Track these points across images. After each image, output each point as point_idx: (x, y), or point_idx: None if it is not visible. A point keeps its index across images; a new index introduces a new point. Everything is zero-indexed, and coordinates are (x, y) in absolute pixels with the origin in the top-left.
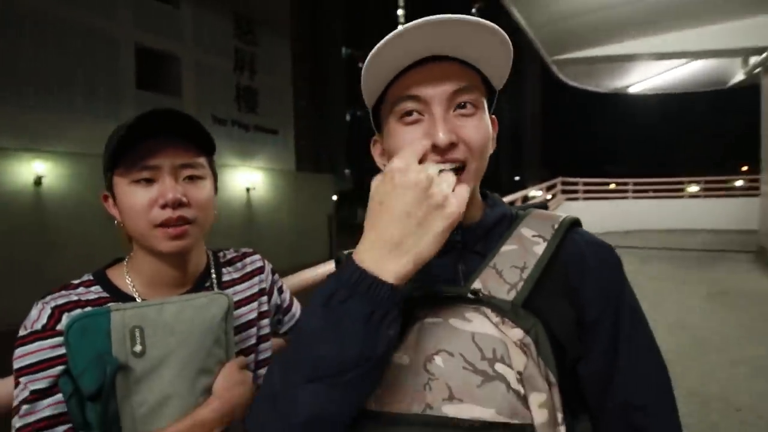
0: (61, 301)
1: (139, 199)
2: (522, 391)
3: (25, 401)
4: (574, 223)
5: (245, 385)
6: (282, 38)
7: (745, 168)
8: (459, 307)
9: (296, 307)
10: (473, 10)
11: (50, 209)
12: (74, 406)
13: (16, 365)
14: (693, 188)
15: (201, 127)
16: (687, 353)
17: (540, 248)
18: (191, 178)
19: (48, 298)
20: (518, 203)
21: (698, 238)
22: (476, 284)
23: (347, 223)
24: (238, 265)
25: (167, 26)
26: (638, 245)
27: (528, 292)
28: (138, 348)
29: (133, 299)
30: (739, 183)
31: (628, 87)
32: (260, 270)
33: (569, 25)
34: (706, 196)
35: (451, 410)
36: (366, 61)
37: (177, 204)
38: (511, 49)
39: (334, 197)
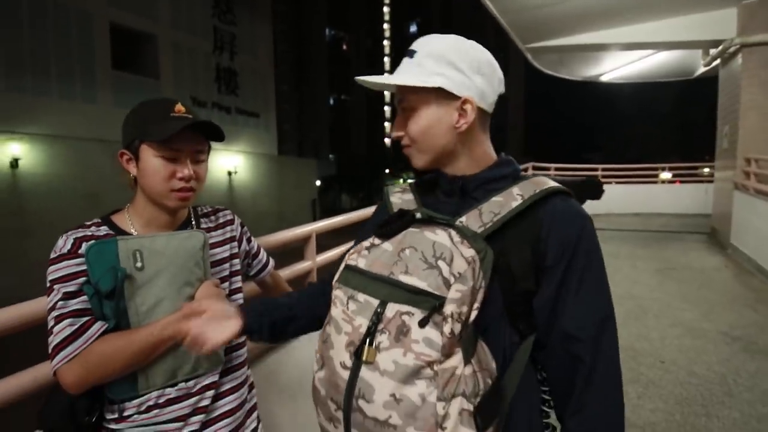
0: (79, 234)
1: (164, 170)
2: (451, 280)
3: (60, 299)
4: (560, 192)
5: (219, 296)
6: (263, 18)
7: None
8: (436, 227)
9: (263, 254)
10: None
11: (27, 191)
12: (95, 303)
13: (51, 277)
14: (666, 175)
15: (220, 131)
16: (630, 318)
17: (516, 203)
18: (198, 161)
19: (70, 232)
20: None
21: (661, 220)
22: (462, 218)
23: (331, 208)
24: (212, 217)
25: (143, 4)
26: (602, 227)
27: (492, 231)
28: (139, 264)
29: (131, 235)
30: (706, 170)
31: (600, 75)
32: (231, 222)
33: (541, 14)
34: (672, 182)
35: (404, 278)
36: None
37: (189, 179)
38: (428, 65)
39: (318, 182)
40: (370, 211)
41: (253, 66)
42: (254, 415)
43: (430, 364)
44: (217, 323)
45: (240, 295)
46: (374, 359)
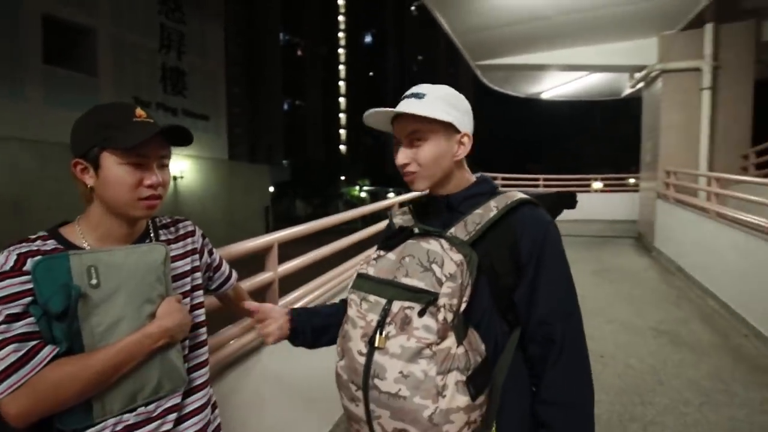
0: (23, 249)
1: (130, 178)
2: (443, 279)
3: (2, 322)
4: (527, 202)
5: (182, 313)
6: (214, 18)
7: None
8: (430, 237)
9: (225, 266)
10: (412, 8)
11: None
12: (44, 325)
13: None
14: (597, 184)
15: (190, 136)
16: None
17: (493, 213)
18: (163, 166)
19: (12, 247)
20: None
21: (595, 226)
22: (452, 230)
23: (285, 216)
24: (172, 229)
25: None
26: None
27: (476, 238)
28: (94, 281)
29: (83, 249)
30: (632, 180)
31: (541, 93)
32: (192, 233)
33: (489, 35)
34: (604, 191)
35: (405, 280)
36: (366, 116)
37: (158, 185)
38: (439, 106)
39: (271, 188)
40: (333, 219)
41: (203, 66)
42: None
43: (429, 345)
44: (275, 322)
45: (202, 310)
46: (384, 345)
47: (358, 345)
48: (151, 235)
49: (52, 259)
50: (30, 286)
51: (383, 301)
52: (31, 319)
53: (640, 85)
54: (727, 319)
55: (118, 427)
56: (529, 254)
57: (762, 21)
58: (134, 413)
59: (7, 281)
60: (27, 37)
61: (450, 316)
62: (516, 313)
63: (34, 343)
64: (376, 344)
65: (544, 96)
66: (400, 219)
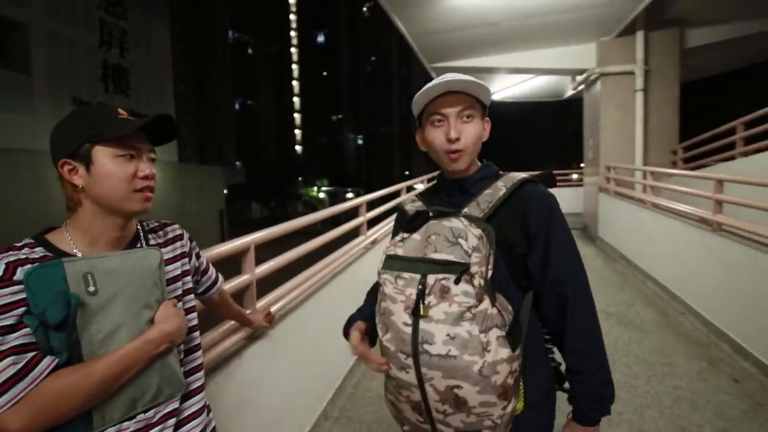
0: (12, 258)
1: (125, 169)
2: (469, 251)
3: None
4: (528, 181)
5: (180, 317)
6: (159, 14)
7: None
8: (450, 216)
9: (212, 270)
10: (364, 9)
11: None
12: (41, 335)
13: None
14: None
15: (173, 134)
16: None
17: (502, 192)
18: (152, 161)
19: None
20: (403, 191)
21: None
22: (465, 209)
23: (241, 219)
24: (160, 233)
25: None
26: None
27: (490, 214)
28: (92, 288)
29: (75, 256)
30: (575, 176)
31: (492, 94)
32: (180, 237)
33: (444, 39)
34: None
35: (435, 255)
36: (418, 93)
37: (152, 177)
38: (487, 87)
39: (225, 191)
40: (310, 218)
41: (148, 64)
42: None
43: (469, 308)
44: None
45: (195, 314)
46: (428, 314)
47: (401, 317)
48: (142, 239)
49: (46, 267)
50: (23, 296)
51: (417, 276)
52: (26, 330)
53: (581, 87)
54: (666, 300)
55: None
56: (538, 224)
57: (685, 29)
58: (134, 420)
59: None
60: None
61: (482, 282)
62: (528, 279)
63: (32, 354)
64: (421, 313)
65: (495, 97)
66: (412, 207)
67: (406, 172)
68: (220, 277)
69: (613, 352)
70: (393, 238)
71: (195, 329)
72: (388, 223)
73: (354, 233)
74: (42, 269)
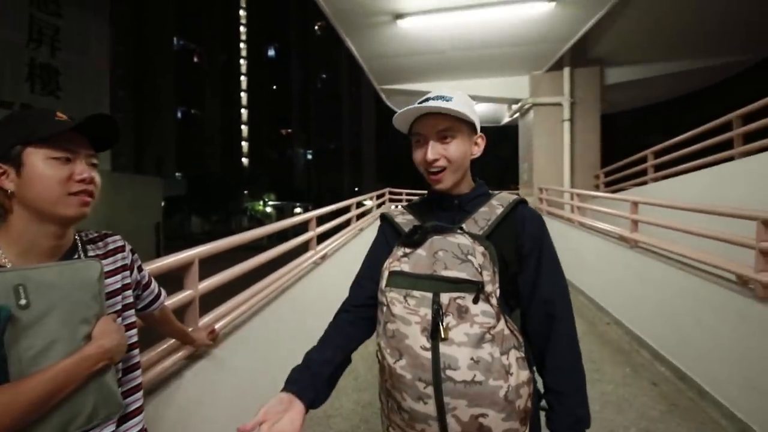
0: None
1: (59, 172)
2: (479, 269)
3: None
4: (522, 202)
5: (120, 333)
6: (97, 14)
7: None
8: (453, 233)
9: (154, 284)
10: (316, 28)
11: None
12: None
13: None
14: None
15: (115, 136)
16: None
17: (499, 210)
18: (93, 165)
19: None
20: (353, 207)
21: None
22: (464, 225)
23: (179, 234)
24: (100, 244)
25: None
26: None
27: (489, 232)
28: (23, 301)
29: (4, 267)
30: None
31: None
32: (122, 249)
33: (391, 63)
34: None
35: (445, 273)
36: (396, 114)
37: (90, 181)
38: (469, 104)
39: (163, 203)
40: (254, 233)
41: (81, 66)
42: None
43: (489, 329)
44: (282, 426)
45: (135, 331)
46: (448, 336)
47: (418, 340)
48: (80, 250)
49: None
50: None
51: (429, 294)
52: None
53: (517, 115)
54: (593, 311)
55: None
56: (531, 245)
57: (605, 67)
58: None
59: None
60: None
61: (496, 301)
62: (516, 298)
63: None
64: (442, 337)
65: None
66: (404, 219)
67: (356, 188)
68: (163, 292)
69: None
70: (376, 250)
71: (135, 347)
72: (339, 238)
73: (303, 248)
74: None
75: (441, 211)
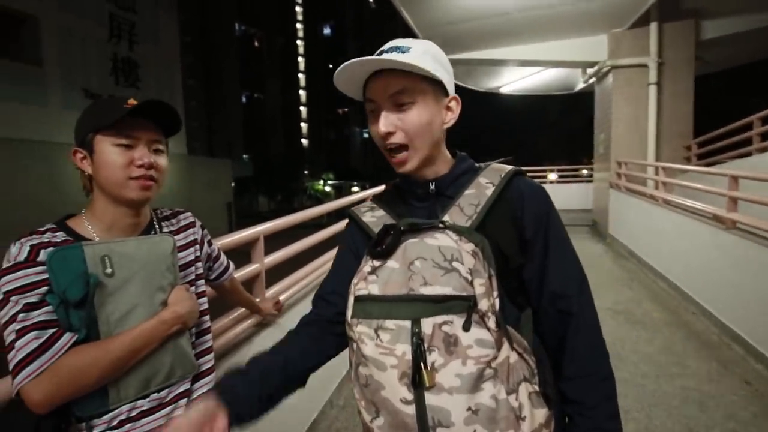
0: (35, 241)
1: (120, 157)
2: (469, 278)
3: (21, 311)
4: (518, 173)
5: (192, 301)
6: (167, 8)
7: (585, 159)
8: (431, 231)
9: (223, 257)
10: (370, 1)
11: None
12: (62, 313)
13: (5, 288)
14: (553, 176)
15: (177, 120)
16: None
17: (490, 191)
18: (157, 151)
19: (23, 239)
20: None
21: None
22: (446, 217)
23: (248, 212)
24: (173, 220)
25: None
26: None
27: (479, 221)
28: (109, 270)
29: (93, 240)
30: (585, 172)
31: (500, 87)
32: (192, 224)
33: (451, 30)
34: (559, 182)
35: (426, 290)
36: (336, 74)
37: (149, 166)
38: (434, 52)
39: (233, 184)
40: (316, 211)
41: (156, 57)
42: None
43: (488, 363)
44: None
45: (205, 299)
46: (434, 381)
47: (397, 392)
48: (156, 226)
49: (66, 250)
50: (45, 276)
51: (407, 324)
52: (48, 308)
53: (592, 80)
54: (676, 299)
55: (133, 413)
56: (535, 228)
57: (700, 20)
58: (148, 399)
59: (23, 272)
60: None
61: (495, 319)
62: (524, 294)
63: (53, 330)
64: (426, 383)
65: (503, 90)
66: (372, 217)
67: None
68: (231, 265)
69: (621, 350)
70: (336, 268)
71: (205, 313)
72: None
73: None
74: (63, 251)
75: (416, 201)
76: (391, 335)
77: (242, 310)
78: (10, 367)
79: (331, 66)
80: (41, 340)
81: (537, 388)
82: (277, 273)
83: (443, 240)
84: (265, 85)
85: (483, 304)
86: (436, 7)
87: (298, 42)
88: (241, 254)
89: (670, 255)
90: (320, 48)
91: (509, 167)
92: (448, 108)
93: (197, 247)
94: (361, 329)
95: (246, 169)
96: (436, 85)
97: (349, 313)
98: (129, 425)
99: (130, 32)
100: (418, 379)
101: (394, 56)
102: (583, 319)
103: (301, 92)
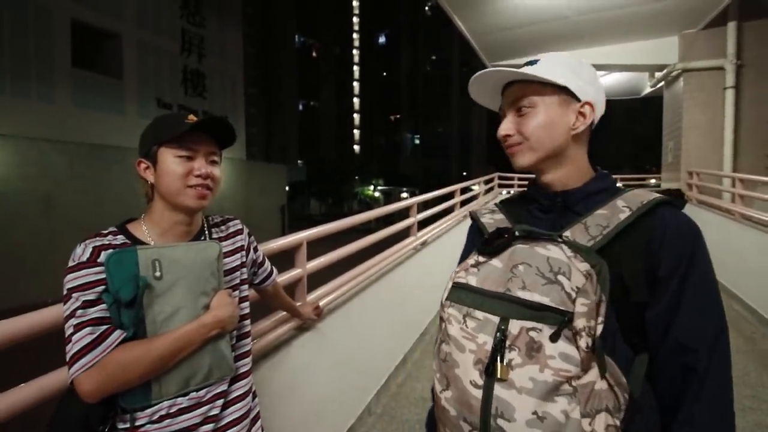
0: (98, 243)
1: (181, 168)
2: (573, 295)
3: (79, 307)
4: (667, 203)
5: (233, 306)
6: (232, 22)
7: (652, 168)
8: (545, 242)
9: (267, 263)
10: (426, 8)
11: None
12: (114, 311)
13: (69, 285)
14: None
15: (232, 134)
16: None
17: (624, 215)
18: (213, 162)
19: (88, 241)
20: (457, 193)
21: None
22: (567, 233)
23: (300, 215)
24: (223, 227)
25: (107, 1)
26: None
27: (603, 245)
28: (158, 273)
29: (148, 245)
30: (653, 181)
31: None
32: (240, 231)
33: (505, 36)
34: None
35: (522, 294)
36: (470, 85)
37: (206, 176)
38: (555, 70)
39: (287, 188)
40: (363, 217)
41: (222, 69)
42: (258, 423)
43: (568, 379)
44: None
45: (247, 303)
46: (508, 376)
47: (469, 373)
48: (206, 232)
49: (123, 253)
50: (103, 276)
51: (495, 319)
52: (103, 306)
53: (661, 84)
54: (753, 324)
55: (172, 409)
56: (673, 268)
57: None
58: (186, 397)
59: (84, 271)
60: (56, 41)
61: (589, 342)
62: (642, 335)
63: (105, 327)
64: (498, 375)
65: None
66: (491, 219)
67: (464, 173)
68: (275, 270)
69: None
70: (463, 258)
71: (246, 317)
72: (440, 225)
73: (404, 234)
74: (120, 254)
75: (539, 212)
76: (477, 324)
77: (283, 313)
78: (67, 358)
79: (384, 74)
80: (95, 336)
81: (618, 423)
82: (319, 278)
83: (555, 252)
84: (320, 93)
85: (579, 323)
86: (489, 13)
87: (354, 51)
88: (287, 258)
89: (748, 275)
90: (374, 56)
91: (655, 194)
92: (580, 113)
93: (243, 253)
94: (451, 311)
95: (300, 174)
96: (562, 91)
97: (445, 295)
98: (168, 421)
99: (200, 46)
100: (491, 369)
101: (525, 69)
102: (711, 382)
103: (355, 100)
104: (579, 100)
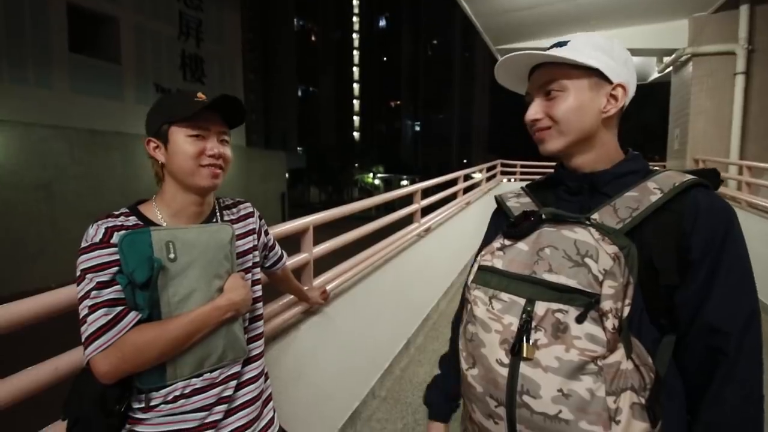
0: (110, 224)
1: (193, 147)
2: (600, 277)
3: (94, 288)
4: (699, 185)
5: (246, 288)
6: (231, 5)
7: (657, 156)
8: (572, 225)
9: (278, 247)
10: None
11: None
12: (129, 292)
13: (82, 266)
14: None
15: (242, 113)
16: None
17: (655, 197)
18: (224, 142)
19: (100, 222)
20: (461, 180)
21: None
22: (595, 215)
23: (300, 202)
24: (234, 210)
25: None
26: None
27: (632, 227)
28: (172, 255)
29: (161, 226)
30: (657, 169)
31: None
32: (251, 214)
33: (511, 18)
34: None
35: (548, 276)
36: (497, 67)
37: (218, 156)
38: (586, 51)
39: (287, 175)
40: (362, 204)
41: (220, 53)
42: (270, 404)
43: (594, 359)
44: None
45: (259, 286)
46: (533, 356)
47: (495, 352)
48: (217, 214)
49: (136, 234)
50: (117, 257)
51: (521, 300)
52: (118, 287)
53: (669, 69)
54: (765, 322)
55: (187, 390)
56: (705, 250)
57: None
58: (201, 378)
59: (97, 252)
60: (53, 26)
61: (616, 323)
62: (670, 318)
63: (120, 308)
64: (524, 354)
65: None
66: (517, 203)
67: (464, 161)
68: (285, 255)
69: None
70: (486, 242)
71: (259, 300)
72: (444, 212)
73: (408, 220)
74: (133, 235)
75: (569, 195)
76: (502, 306)
77: (291, 297)
78: (82, 339)
79: (384, 59)
80: (110, 317)
81: (643, 401)
82: (325, 263)
83: (582, 235)
84: (320, 78)
85: (606, 305)
86: None
87: (354, 35)
88: (291, 242)
89: (753, 263)
90: (375, 41)
91: (688, 176)
92: (611, 95)
93: (255, 236)
94: (476, 293)
95: (299, 161)
96: (593, 73)
97: (471, 277)
98: (182, 401)
99: (197, 30)
100: (517, 348)
101: (553, 51)
102: (742, 366)
103: (355, 85)
104: (611, 82)
